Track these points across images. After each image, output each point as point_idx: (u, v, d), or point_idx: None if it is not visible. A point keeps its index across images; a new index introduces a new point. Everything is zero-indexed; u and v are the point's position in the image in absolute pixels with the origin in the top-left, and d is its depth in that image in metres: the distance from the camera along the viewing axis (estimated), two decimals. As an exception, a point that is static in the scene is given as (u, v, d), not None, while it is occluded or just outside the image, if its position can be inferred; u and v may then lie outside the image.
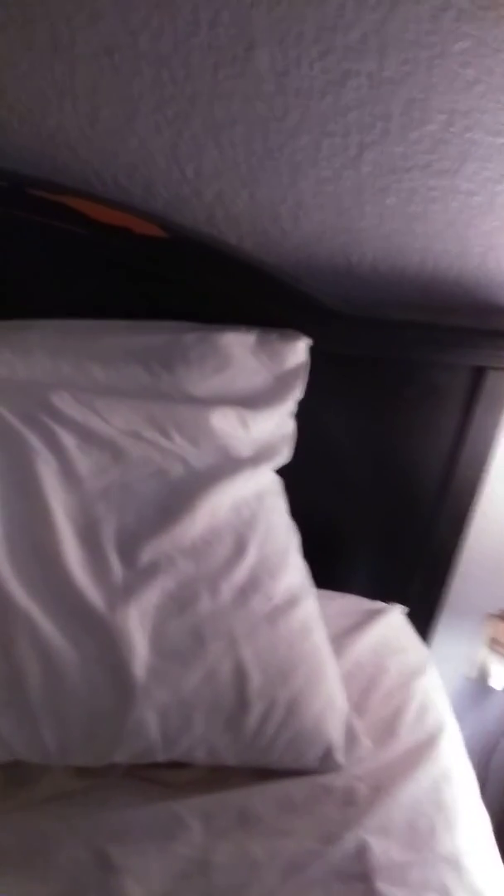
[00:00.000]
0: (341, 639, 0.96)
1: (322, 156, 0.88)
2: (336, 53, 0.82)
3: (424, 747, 0.84)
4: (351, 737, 0.80)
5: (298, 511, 0.91)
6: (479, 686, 1.36)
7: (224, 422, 0.86)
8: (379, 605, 1.07)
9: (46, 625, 0.69)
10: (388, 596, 1.12)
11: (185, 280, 0.91)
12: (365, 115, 0.85)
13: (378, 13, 0.80)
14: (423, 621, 1.20)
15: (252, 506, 0.85)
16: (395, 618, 1.05)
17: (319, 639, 0.82)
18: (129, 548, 0.76)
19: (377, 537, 1.15)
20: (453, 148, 0.87)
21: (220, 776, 0.76)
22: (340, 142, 0.87)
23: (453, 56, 0.82)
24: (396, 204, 0.91)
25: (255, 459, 0.88)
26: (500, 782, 1.36)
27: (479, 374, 0.99)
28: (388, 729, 0.85)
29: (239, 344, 0.91)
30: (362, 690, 0.89)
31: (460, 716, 1.40)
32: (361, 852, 0.71)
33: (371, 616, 1.03)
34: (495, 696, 1.36)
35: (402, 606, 1.09)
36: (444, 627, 1.27)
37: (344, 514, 1.13)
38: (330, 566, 1.13)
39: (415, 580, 1.17)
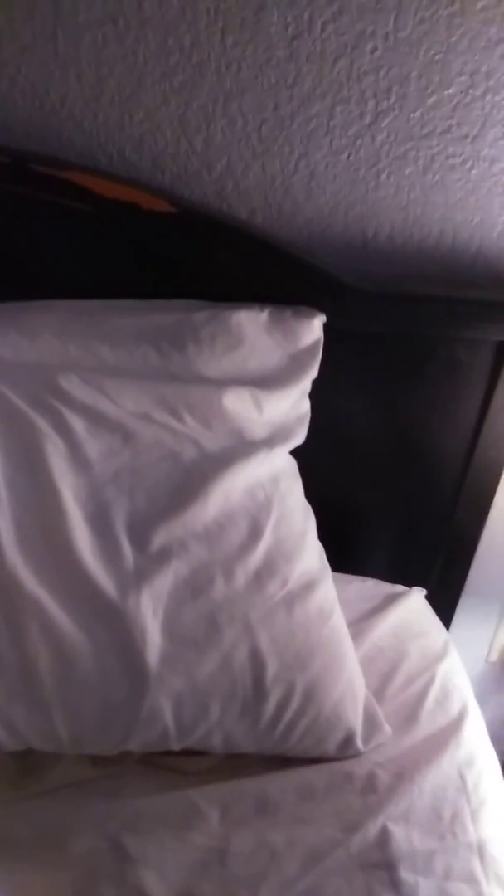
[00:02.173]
0: (361, 623, 0.94)
1: (336, 124, 0.85)
2: (350, 13, 0.78)
3: (447, 732, 0.82)
4: (371, 723, 0.78)
5: (316, 493, 0.89)
6: (501, 669, 1.34)
7: (237, 403, 0.84)
8: (399, 588, 1.05)
9: (57, 612, 0.68)
10: (408, 579, 1.10)
11: (196, 257, 0.88)
12: (381, 79, 0.82)
13: (393, -30, 0.76)
14: (444, 605, 1.18)
15: (267, 489, 0.83)
16: (415, 601, 1.04)
17: (337, 623, 0.80)
18: (140, 533, 0.74)
19: (397, 520, 1.13)
20: (474, 112, 0.83)
21: (237, 764, 0.75)
22: (355, 108, 0.84)
23: (474, 13, 0.77)
24: (414, 173, 0.88)
25: (270, 441, 0.86)
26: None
27: (501, 349, 0.96)
28: (409, 714, 0.84)
29: (251, 322, 0.88)
30: (383, 675, 0.88)
31: (481, 699, 1.38)
32: (383, 840, 0.70)
33: (391, 600, 1.01)
34: (517, 680, 1.34)
35: (423, 590, 1.07)
36: (465, 611, 1.25)
37: (362, 497, 1.10)
38: (349, 550, 1.12)
39: (435, 563, 1.15)
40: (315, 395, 0.92)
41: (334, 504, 0.98)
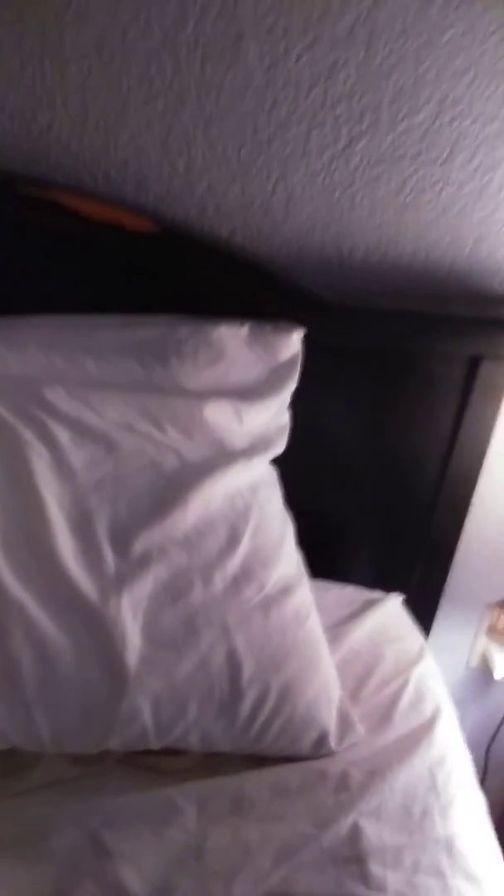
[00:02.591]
0: (338, 628, 0.97)
1: (311, 148, 0.88)
2: (323, 45, 0.82)
3: (419, 733, 0.85)
4: (345, 723, 0.81)
5: (299, 502, 0.92)
6: (481, 675, 1.37)
7: (218, 414, 0.87)
8: (376, 594, 1.08)
9: (40, 615, 0.71)
10: (389, 586, 1.12)
11: (178, 274, 0.92)
12: (354, 106, 0.86)
13: (365, 3, 0.80)
14: (425, 611, 1.21)
15: (246, 497, 0.86)
16: (392, 607, 1.06)
17: (313, 627, 0.83)
18: (122, 539, 0.77)
19: (377, 528, 1.16)
20: (443, 137, 0.87)
21: (214, 763, 0.78)
22: (330, 133, 0.87)
23: (441, 45, 0.82)
24: (387, 195, 0.91)
25: (250, 451, 0.89)
26: (502, 771, 1.37)
27: (475, 362, 0.99)
28: (383, 715, 0.86)
29: (232, 336, 0.91)
30: (358, 678, 0.90)
31: (462, 705, 1.41)
32: (354, 836, 0.72)
33: (368, 605, 1.04)
34: (496, 685, 1.37)
35: (400, 595, 1.09)
36: (446, 617, 1.27)
37: (344, 505, 1.13)
38: (331, 557, 1.14)
39: (415, 570, 1.18)
40: (296, 406, 0.95)
41: (316, 513, 1.01)
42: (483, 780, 1.39)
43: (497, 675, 1.30)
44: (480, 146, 0.87)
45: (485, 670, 1.35)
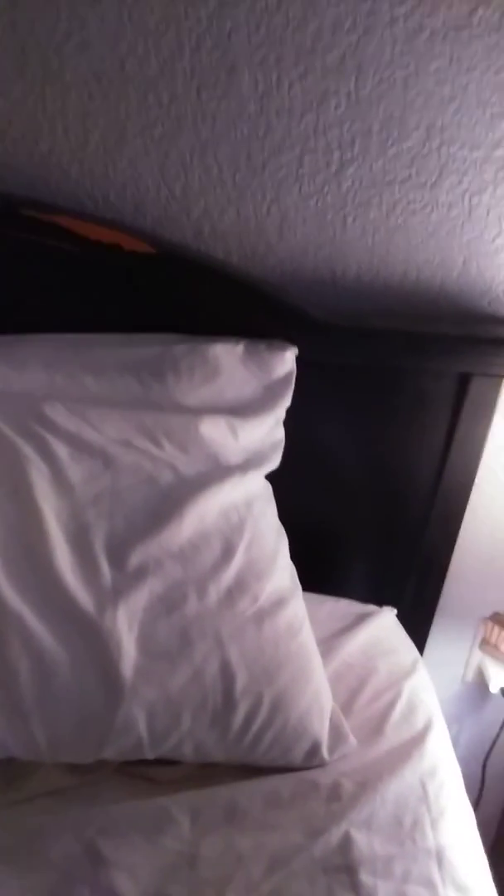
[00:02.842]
0: (331, 640, 0.98)
1: (304, 172, 0.91)
2: (315, 74, 0.85)
3: (411, 745, 0.86)
4: (337, 734, 0.82)
5: (294, 517, 0.94)
6: (476, 689, 1.38)
7: (214, 430, 0.89)
8: (370, 608, 1.09)
9: (38, 626, 0.72)
10: (383, 600, 1.14)
11: (175, 294, 0.94)
12: (344, 132, 0.89)
13: (354, 35, 0.83)
14: (419, 625, 1.22)
15: (241, 511, 0.87)
16: (385, 620, 1.08)
17: (306, 639, 0.84)
18: (118, 552, 0.78)
19: (372, 542, 1.18)
20: (431, 162, 0.90)
21: (208, 773, 0.79)
22: (322, 158, 0.90)
23: (428, 75, 0.85)
24: (378, 217, 0.94)
25: (244, 466, 0.91)
26: (498, 785, 1.37)
27: (464, 380, 1.02)
28: (375, 727, 0.87)
29: (228, 354, 0.93)
30: (351, 690, 0.92)
31: (458, 719, 1.42)
32: (345, 845, 0.73)
33: (362, 618, 1.05)
34: (492, 699, 1.38)
35: (393, 609, 1.11)
36: (441, 631, 1.29)
37: (339, 520, 1.15)
38: (326, 571, 1.16)
39: (409, 584, 1.19)
40: (292, 422, 0.97)
41: (312, 527, 1.03)
42: (480, 794, 1.40)
43: (493, 689, 1.31)
44: (467, 171, 0.90)
45: (480, 684, 1.36)
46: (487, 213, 0.93)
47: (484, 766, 1.38)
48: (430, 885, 0.72)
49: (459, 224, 0.94)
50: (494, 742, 1.37)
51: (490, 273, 0.97)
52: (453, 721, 1.41)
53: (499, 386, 1.02)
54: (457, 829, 0.79)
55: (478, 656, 1.34)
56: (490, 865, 0.78)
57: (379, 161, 0.90)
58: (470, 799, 0.85)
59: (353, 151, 0.90)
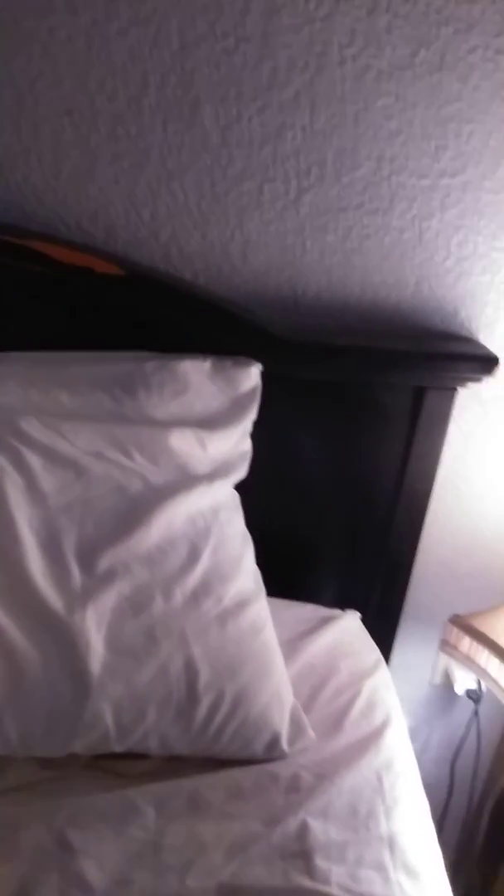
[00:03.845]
0: (296, 642, 1.02)
1: (265, 199, 0.97)
2: (272, 109, 0.92)
3: (369, 740, 0.90)
4: (297, 728, 0.86)
5: (263, 526, 0.98)
6: (444, 692, 1.42)
7: (182, 442, 0.94)
8: (334, 612, 1.14)
9: (9, 626, 0.77)
10: (350, 606, 1.17)
11: (145, 313, 0.99)
12: (301, 162, 0.95)
13: (307, 74, 0.89)
14: (386, 629, 1.26)
15: (207, 518, 0.92)
16: (349, 623, 1.12)
17: (268, 638, 0.89)
18: (88, 556, 0.83)
19: (338, 550, 1.22)
20: (382, 190, 0.96)
21: (173, 767, 0.83)
22: (280, 186, 0.96)
23: (376, 110, 0.91)
24: (335, 240, 1.00)
25: (212, 476, 0.95)
26: (466, 786, 1.41)
27: (420, 393, 1.07)
28: (334, 723, 0.91)
29: (196, 370, 0.98)
30: (313, 688, 0.96)
31: (427, 721, 1.46)
32: (302, 833, 0.77)
33: (325, 622, 1.09)
34: (459, 701, 1.42)
35: (357, 612, 1.15)
36: (408, 636, 1.33)
37: (306, 529, 1.19)
38: (295, 579, 1.20)
39: (375, 590, 1.24)
40: (259, 435, 1.02)
41: (279, 536, 1.08)
42: (449, 796, 1.44)
43: (458, 691, 1.35)
44: (416, 197, 0.96)
45: (447, 687, 1.40)
46: (437, 237, 0.99)
47: (452, 768, 1.42)
48: (381, 868, 0.76)
49: (411, 247, 1.00)
50: (462, 743, 1.41)
51: (441, 292, 1.03)
52: (423, 724, 1.45)
53: (452, 398, 1.07)
54: (409, 818, 0.83)
55: (444, 659, 1.38)
56: (456, 864, 0.82)
57: (334, 189, 0.96)
58: (439, 800, 0.89)
59: (310, 180, 0.96)
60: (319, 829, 0.78)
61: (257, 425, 1.02)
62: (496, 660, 1.08)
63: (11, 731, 0.76)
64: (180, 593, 0.84)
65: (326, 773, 0.84)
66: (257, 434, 1.02)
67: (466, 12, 0.86)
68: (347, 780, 0.83)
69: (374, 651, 1.08)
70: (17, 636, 0.77)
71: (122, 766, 0.83)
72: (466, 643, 1.12)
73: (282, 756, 0.84)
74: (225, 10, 0.86)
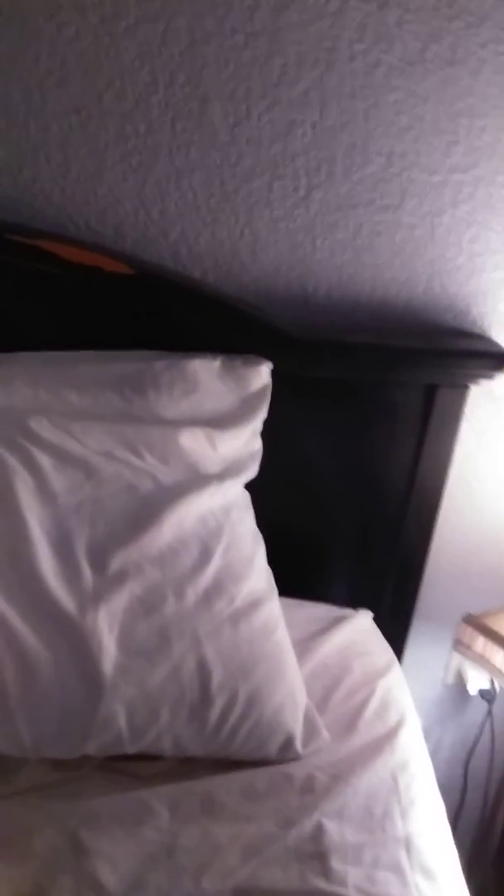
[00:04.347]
0: (308, 642, 1.02)
1: (274, 197, 0.97)
2: (282, 106, 0.91)
3: (383, 740, 0.89)
4: (311, 729, 0.86)
5: (275, 526, 0.97)
6: (457, 691, 1.41)
7: (193, 441, 0.93)
8: (347, 611, 1.13)
9: (22, 628, 0.76)
10: (363, 605, 1.17)
11: (154, 312, 0.99)
12: (311, 159, 0.94)
13: (317, 71, 0.89)
14: (398, 629, 1.26)
15: (218, 517, 0.91)
16: (362, 623, 1.11)
17: (281, 638, 0.88)
18: (99, 557, 0.82)
19: (350, 549, 1.21)
20: (394, 186, 0.96)
21: (187, 767, 0.82)
22: (290, 184, 0.96)
23: (387, 106, 0.91)
24: (345, 238, 0.99)
25: (222, 475, 0.95)
26: (480, 786, 1.40)
27: (431, 391, 1.06)
28: (348, 724, 0.91)
29: (206, 369, 0.98)
30: (326, 688, 0.95)
31: (440, 721, 1.45)
32: (317, 834, 0.76)
33: (338, 621, 1.09)
34: (472, 701, 1.41)
35: (369, 612, 1.15)
36: (420, 635, 1.32)
37: (318, 528, 1.19)
38: (308, 579, 1.19)
39: (387, 589, 1.23)
40: (270, 434, 1.01)
41: (291, 536, 1.07)
42: (463, 797, 1.43)
43: (472, 691, 1.34)
44: (428, 194, 0.96)
45: (460, 686, 1.39)
46: (449, 233, 0.99)
47: (466, 768, 1.41)
48: (398, 870, 0.75)
49: (423, 244, 1.00)
50: (475, 743, 1.40)
51: (453, 289, 1.03)
52: (436, 724, 1.44)
53: (464, 396, 1.06)
54: (425, 818, 0.82)
55: (457, 659, 1.37)
56: (473, 865, 0.81)
57: (344, 186, 0.96)
58: (453, 800, 0.88)
59: (320, 177, 0.95)
60: (335, 831, 0.77)
61: (268, 424, 1.02)
62: (510, 659, 1.07)
63: (24, 733, 0.75)
64: (192, 593, 0.84)
65: (341, 773, 0.83)
66: (268, 433, 1.01)
67: (478, 6, 0.86)
68: (363, 781, 0.83)
69: (387, 651, 1.08)
70: (29, 637, 0.76)
71: (135, 767, 0.82)
72: (480, 643, 1.12)
73: (296, 757, 0.84)
74: (234, 7, 0.86)
